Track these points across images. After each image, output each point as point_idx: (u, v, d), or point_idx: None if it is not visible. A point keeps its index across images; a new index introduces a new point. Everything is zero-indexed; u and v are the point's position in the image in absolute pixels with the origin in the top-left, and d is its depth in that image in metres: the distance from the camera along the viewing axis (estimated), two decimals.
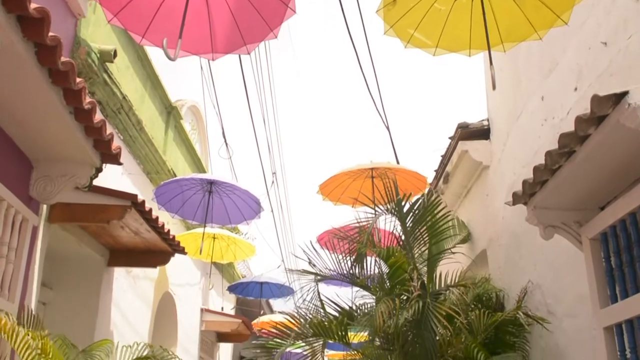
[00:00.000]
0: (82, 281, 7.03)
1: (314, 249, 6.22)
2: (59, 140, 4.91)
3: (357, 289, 6.37)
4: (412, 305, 5.10)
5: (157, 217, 6.26)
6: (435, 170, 8.54)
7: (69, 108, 4.47)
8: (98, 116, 4.73)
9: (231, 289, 13.92)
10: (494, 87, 4.24)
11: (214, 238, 10.21)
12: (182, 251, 7.23)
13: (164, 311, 9.82)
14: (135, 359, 4.91)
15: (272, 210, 12.28)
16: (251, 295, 13.95)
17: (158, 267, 8.75)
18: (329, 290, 6.63)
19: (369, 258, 6.14)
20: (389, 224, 6.04)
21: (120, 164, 5.39)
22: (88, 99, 4.51)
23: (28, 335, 4.24)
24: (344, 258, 6.17)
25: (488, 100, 7.42)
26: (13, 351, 4.47)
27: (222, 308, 13.66)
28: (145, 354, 4.96)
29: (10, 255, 4.91)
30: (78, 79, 4.23)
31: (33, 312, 5.18)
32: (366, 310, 5.98)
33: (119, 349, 4.93)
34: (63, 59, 3.95)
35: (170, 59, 3.86)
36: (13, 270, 4.96)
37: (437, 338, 5.36)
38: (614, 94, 3.09)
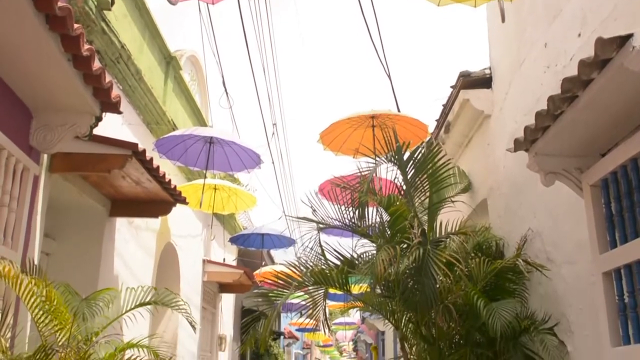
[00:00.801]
0: (84, 232, 7.07)
1: (316, 196, 6.24)
2: (58, 89, 4.88)
3: (358, 238, 6.40)
4: (412, 252, 5.13)
5: (158, 167, 6.26)
6: (436, 120, 8.50)
7: (67, 55, 4.43)
8: (97, 64, 4.69)
9: (232, 240, 14.02)
10: (503, 20, 4.17)
11: (215, 189, 10.22)
12: (184, 201, 7.25)
13: (166, 262, 9.91)
14: (139, 304, 4.96)
15: (272, 162, 12.28)
16: (252, 246, 14.05)
17: (160, 218, 8.80)
18: (330, 241, 6.67)
19: (370, 208, 6.16)
20: (390, 172, 6.04)
21: (120, 112, 5.37)
22: (86, 46, 4.46)
23: (32, 282, 4.29)
24: (345, 207, 6.18)
25: (490, 49, 7.34)
26: (18, 299, 4.53)
27: (224, 259, 13.77)
28: (149, 298, 5.01)
29: (12, 204, 4.93)
30: (76, 25, 4.18)
31: (36, 262, 5.23)
32: (367, 259, 6.02)
33: (123, 292, 4.97)
34: (60, 4, 3.90)
35: (170, 2, 3.81)
36: (15, 220, 4.99)
37: (437, 285, 5.40)
38: (618, 36, 3.05)
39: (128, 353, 4.77)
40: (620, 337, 3.85)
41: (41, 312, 4.37)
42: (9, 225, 4.87)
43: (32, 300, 4.32)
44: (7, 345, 4.36)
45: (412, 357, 6.20)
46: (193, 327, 5.34)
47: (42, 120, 5.25)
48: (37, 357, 4.26)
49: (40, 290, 4.31)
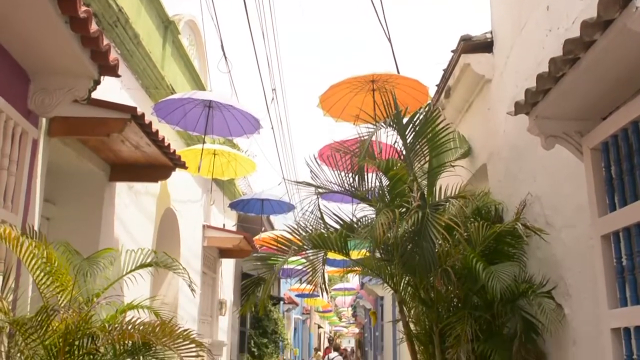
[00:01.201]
0: (84, 196, 7.09)
1: (316, 162, 6.24)
2: (55, 52, 4.84)
3: (358, 203, 6.42)
4: (411, 216, 5.15)
5: (157, 131, 6.24)
6: (437, 85, 8.46)
7: (64, 17, 4.39)
8: (94, 27, 4.65)
9: (232, 206, 14.06)
10: None
11: (215, 154, 10.21)
12: (183, 165, 7.25)
13: (166, 227, 9.95)
14: (139, 266, 4.99)
15: (272, 128, 12.25)
16: (252, 212, 14.10)
17: (159, 183, 8.81)
18: (330, 207, 6.69)
19: (370, 173, 6.17)
20: (390, 137, 6.03)
21: (118, 75, 5.34)
22: (84, 8, 4.42)
23: (32, 245, 4.31)
24: (345, 172, 6.19)
25: (492, 12, 7.27)
26: (19, 261, 4.55)
27: (224, 225, 13.81)
28: (149, 260, 5.03)
29: (12, 167, 4.93)
30: None
31: (36, 226, 5.24)
32: (366, 223, 6.05)
33: (123, 254, 5.00)
34: None
35: None
36: (15, 183, 5.00)
37: (436, 249, 5.44)
38: None
39: (129, 314, 4.81)
40: (618, 300, 3.88)
41: (42, 274, 4.40)
42: (8, 189, 4.88)
43: (33, 262, 4.35)
44: (9, 307, 4.40)
45: (410, 319, 6.27)
46: (192, 290, 5.37)
47: (40, 84, 5.22)
48: (39, 318, 4.31)
49: (41, 252, 4.34)
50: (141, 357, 4.74)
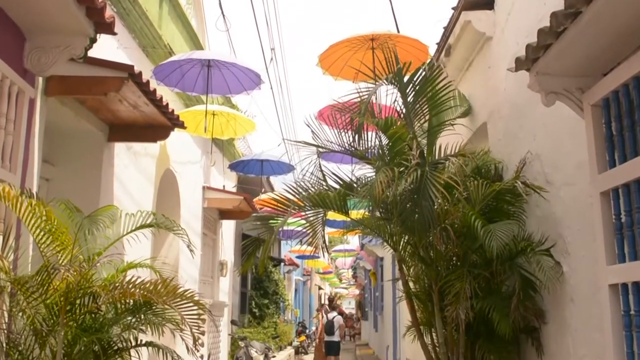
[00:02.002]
0: (83, 157, 7.08)
1: (315, 121, 6.21)
2: (51, 9, 4.79)
3: (357, 162, 6.41)
4: (410, 174, 5.14)
5: (154, 90, 6.20)
6: (437, 43, 8.37)
7: None
8: None
9: (232, 167, 14.05)
10: None
11: (214, 114, 10.16)
12: (182, 125, 7.21)
13: (166, 188, 9.96)
14: (139, 227, 5.00)
15: (271, 87, 12.17)
16: (252, 173, 14.11)
17: (158, 144, 8.79)
18: (329, 167, 6.69)
19: (369, 133, 6.14)
20: (389, 96, 5.98)
21: (114, 33, 5.27)
22: None
23: (32, 203, 4.31)
24: (345, 131, 6.16)
25: None
26: (19, 221, 4.56)
27: (224, 186, 13.83)
28: (149, 221, 5.04)
29: (9, 126, 4.91)
30: None
31: (35, 187, 5.24)
32: (365, 182, 6.04)
33: (123, 215, 5.01)
34: None
35: None
36: (13, 143, 4.98)
37: (436, 207, 5.44)
38: None
39: (130, 274, 4.84)
40: (616, 256, 3.89)
41: (42, 233, 4.41)
42: (6, 148, 4.87)
43: (33, 221, 4.35)
44: (10, 266, 4.42)
45: (409, 278, 6.31)
46: (191, 251, 5.40)
47: (35, 43, 5.17)
48: (40, 277, 4.33)
49: (40, 211, 4.34)
50: (142, 316, 4.79)
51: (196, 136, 10.90)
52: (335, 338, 18.28)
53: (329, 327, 18.27)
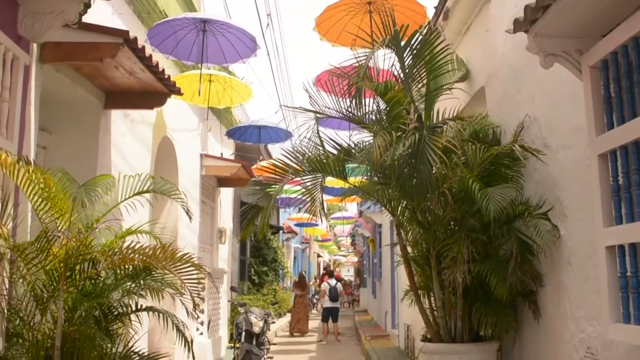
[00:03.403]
0: (80, 124, 7.04)
1: (313, 87, 6.18)
2: None
3: (355, 128, 6.40)
4: (408, 137, 5.13)
5: (150, 55, 6.14)
6: (435, 7, 8.30)
7: None
8: None
9: (229, 134, 14.01)
10: None
11: (210, 81, 10.08)
12: (178, 92, 7.16)
13: (164, 155, 9.93)
14: (137, 192, 4.99)
15: (268, 54, 12.08)
16: (250, 140, 14.06)
17: (155, 111, 8.75)
18: (327, 133, 6.67)
19: (367, 99, 6.12)
20: (387, 61, 5.95)
21: None
22: None
23: (29, 170, 4.30)
24: (342, 96, 6.14)
25: None
26: (17, 188, 4.55)
27: (222, 154, 13.80)
28: (147, 186, 5.03)
29: (4, 94, 4.88)
30: None
31: (32, 154, 5.22)
32: (363, 147, 6.04)
33: (121, 180, 4.99)
34: None
35: None
36: (9, 110, 4.94)
37: (433, 172, 5.45)
38: None
39: (128, 240, 4.85)
40: (613, 218, 3.89)
41: (40, 200, 4.41)
42: (2, 115, 4.83)
43: (31, 188, 4.35)
44: (9, 233, 4.43)
45: (407, 243, 6.34)
46: (189, 216, 5.40)
47: (29, 8, 5.10)
48: (39, 243, 4.35)
49: (38, 178, 4.33)
50: (142, 281, 4.81)
51: (193, 104, 10.85)
52: (338, 304, 18.60)
53: (334, 294, 18.57)
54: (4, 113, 4.86)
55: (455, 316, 5.90)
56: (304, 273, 21.23)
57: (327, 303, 18.56)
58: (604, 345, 4.26)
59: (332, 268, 25.36)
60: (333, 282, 18.88)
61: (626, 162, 3.76)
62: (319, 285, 24.09)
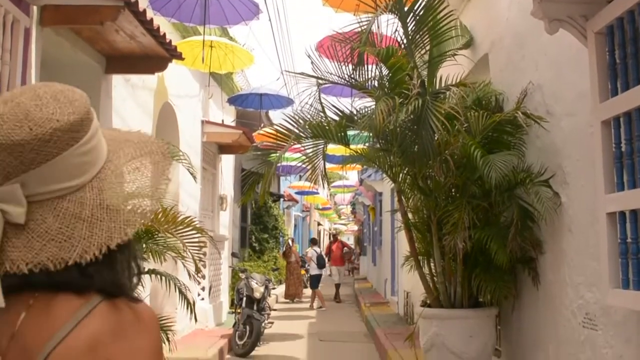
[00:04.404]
0: (80, 89, 6.91)
1: (315, 52, 6.14)
2: None
3: (357, 94, 6.37)
4: (411, 102, 5.11)
5: (151, 19, 6.10)
6: None
7: None
8: None
9: (231, 101, 13.96)
10: None
11: (212, 46, 10.01)
12: (179, 56, 7.11)
13: (165, 121, 9.91)
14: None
15: (269, 19, 11.97)
16: (251, 107, 14.02)
17: (156, 77, 8.71)
18: (329, 100, 6.64)
19: (370, 65, 6.08)
20: (390, 26, 5.90)
21: None
22: None
23: None
24: (345, 63, 6.10)
25: None
26: None
27: (223, 121, 13.77)
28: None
29: (5, 56, 4.85)
30: None
31: None
32: (365, 113, 6.02)
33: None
34: None
35: None
36: (10, 73, 4.92)
37: (436, 138, 5.44)
38: None
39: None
40: (615, 184, 3.89)
41: None
42: (3, 78, 4.81)
43: None
44: None
45: (408, 209, 6.35)
46: (194, 177, 5.41)
47: None
48: None
49: None
50: (144, 244, 4.83)
51: (194, 70, 10.78)
52: (323, 272, 19.26)
53: (321, 261, 19.15)
54: (4, 76, 4.84)
55: (455, 282, 5.94)
56: (290, 243, 21.77)
57: (315, 270, 19.00)
58: (602, 311, 4.30)
59: (338, 236, 25.81)
60: (318, 250, 19.68)
61: (629, 128, 3.75)
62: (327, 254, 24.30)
